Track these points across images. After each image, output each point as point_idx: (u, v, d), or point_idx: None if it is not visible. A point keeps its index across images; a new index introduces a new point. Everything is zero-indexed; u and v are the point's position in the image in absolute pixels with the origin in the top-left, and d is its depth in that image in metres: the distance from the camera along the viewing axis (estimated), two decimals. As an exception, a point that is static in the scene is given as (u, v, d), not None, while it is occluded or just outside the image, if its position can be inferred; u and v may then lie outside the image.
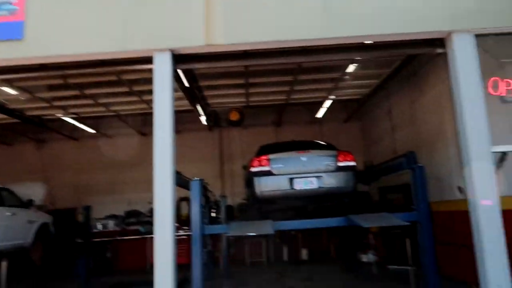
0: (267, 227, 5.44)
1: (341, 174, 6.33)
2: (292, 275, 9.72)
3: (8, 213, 8.52)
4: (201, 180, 5.84)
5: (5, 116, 10.29)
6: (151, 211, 13.36)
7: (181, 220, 12.80)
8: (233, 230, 5.56)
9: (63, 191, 13.25)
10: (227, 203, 10.60)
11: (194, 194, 5.68)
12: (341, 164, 6.40)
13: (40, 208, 10.23)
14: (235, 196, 12.90)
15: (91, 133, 13.53)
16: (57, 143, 14.11)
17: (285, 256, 11.87)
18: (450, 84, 5.66)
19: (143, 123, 13.64)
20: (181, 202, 13.39)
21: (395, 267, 9.22)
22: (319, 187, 6.23)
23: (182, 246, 11.28)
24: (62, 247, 12.48)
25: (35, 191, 10.17)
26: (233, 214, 12.05)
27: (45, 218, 10.10)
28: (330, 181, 6.29)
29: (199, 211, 5.56)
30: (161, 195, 4.70)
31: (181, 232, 11.70)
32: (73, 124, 12.66)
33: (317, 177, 6.26)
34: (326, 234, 12.65)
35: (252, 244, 12.00)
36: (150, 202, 13.13)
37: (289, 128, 13.94)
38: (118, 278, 10.37)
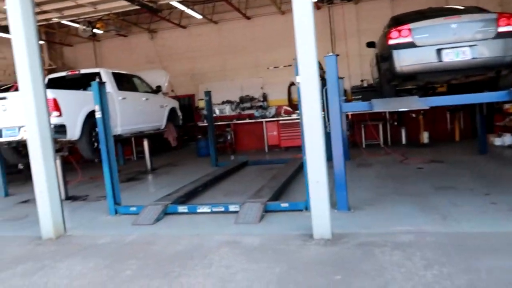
0: (416, 102, 4.97)
1: (502, 42, 5.32)
2: (416, 157, 9.40)
3: (143, 98, 9.27)
4: (336, 56, 5.42)
5: (121, 4, 10.46)
6: (263, 96, 13.65)
7: (293, 105, 12.88)
8: (378, 106, 5.20)
9: (179, 79, 13.98)
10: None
11: (331, 69, 5.32)
12: (502, 29, 5.34)
13: (164, 95, 10.93)
14: (350, 79, 12.32)
15: (198, 20, 13.48)
16: (167, 33, 14.49)
17: (404, 140, 11.44)
18: None
19: (247, 5, 13.09)
20: (291, 87, 13.32)
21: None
22: (473, 58, 5.37)
23: (294, 129, 11.61)
24: (186, 130, 13.67)
25: (159, 79, 10.78)
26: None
27: (172, 103, 10.86)
28: (488, 50, 5.35)
29: (337, 87, 5.26)
30: (305, 76, 4.39)
31: (295, 116, 11.84)
32: (181, 12, 12.65)
33: (471, 46, 5.37)
34: (449, 116, 11.75)
35: (368, 127, 11.71)
36: (262, 87, 13.71)
37: (406, 1, 12.19)
38: (244, 157, 11.12)
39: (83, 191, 8.32)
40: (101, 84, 6.01)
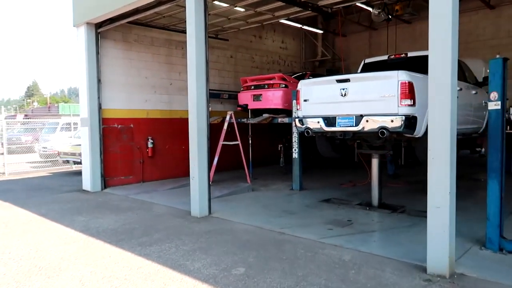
0: None
1: None
2: None
3: (473, 92, 7.20)
4: None
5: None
6: None
7: None
8: None
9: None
10: None
11: None
12: None
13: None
14: None
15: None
16: (466, 16, 11.85)
17: None
18: None
19: None
20: None
21: None
22: None
23: None
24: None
25: (476, 68, 8.51)
26: None
27: (493, 100, 8.41)
28: None
29: None
30: None
31: None
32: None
33: None
34: None
35: None
36: None
37: None
38: None
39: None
40: (505, 61, 4.22)
